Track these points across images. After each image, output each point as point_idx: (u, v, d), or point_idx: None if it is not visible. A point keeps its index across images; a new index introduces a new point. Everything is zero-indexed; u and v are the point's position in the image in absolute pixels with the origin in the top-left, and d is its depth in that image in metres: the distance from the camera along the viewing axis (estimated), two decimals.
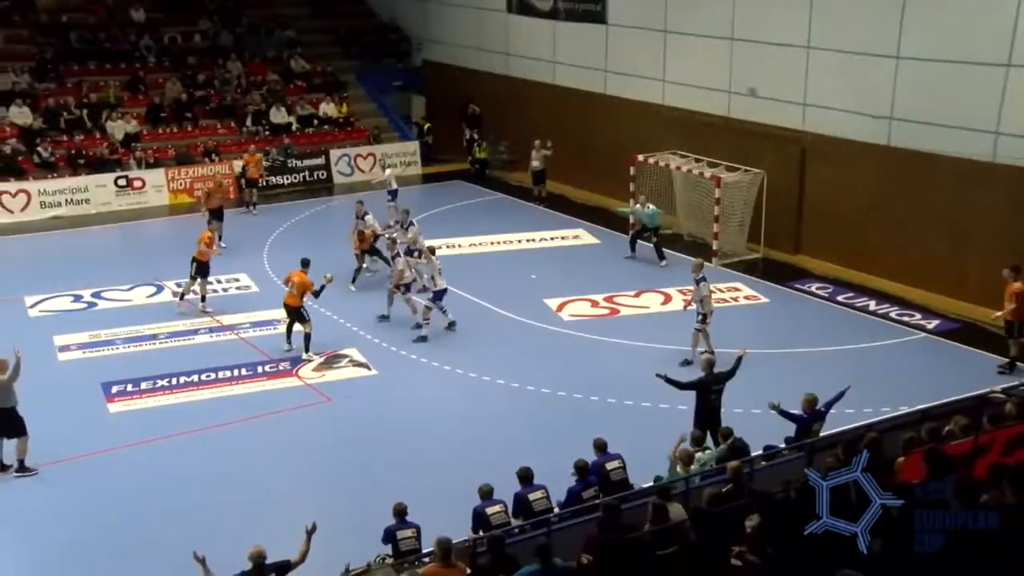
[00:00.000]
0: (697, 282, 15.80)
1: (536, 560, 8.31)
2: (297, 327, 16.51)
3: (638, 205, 20.93)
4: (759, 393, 12.71)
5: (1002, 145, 17.38)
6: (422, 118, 30.32)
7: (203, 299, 18.38)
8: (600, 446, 11.33)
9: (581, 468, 10.87)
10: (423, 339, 16.93)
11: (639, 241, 21.02)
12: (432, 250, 17.69)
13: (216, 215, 22.07)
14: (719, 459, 11.08)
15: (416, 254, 18.01)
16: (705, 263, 16.94)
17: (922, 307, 18.17)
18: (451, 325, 17.35)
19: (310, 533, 9.41)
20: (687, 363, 15.47)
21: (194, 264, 18.22)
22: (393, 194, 22.73)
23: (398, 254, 17.72)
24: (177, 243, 18.79)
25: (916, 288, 18.76)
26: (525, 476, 10.73)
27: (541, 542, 8.65)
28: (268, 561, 9.10)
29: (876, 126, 19.28)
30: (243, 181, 24.94)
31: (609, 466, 11.14)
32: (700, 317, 15.75)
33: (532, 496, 10.59)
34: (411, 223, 19.53)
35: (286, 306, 16.52)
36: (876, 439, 9.83)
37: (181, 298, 18.38)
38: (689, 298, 16.46)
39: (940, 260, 18.51)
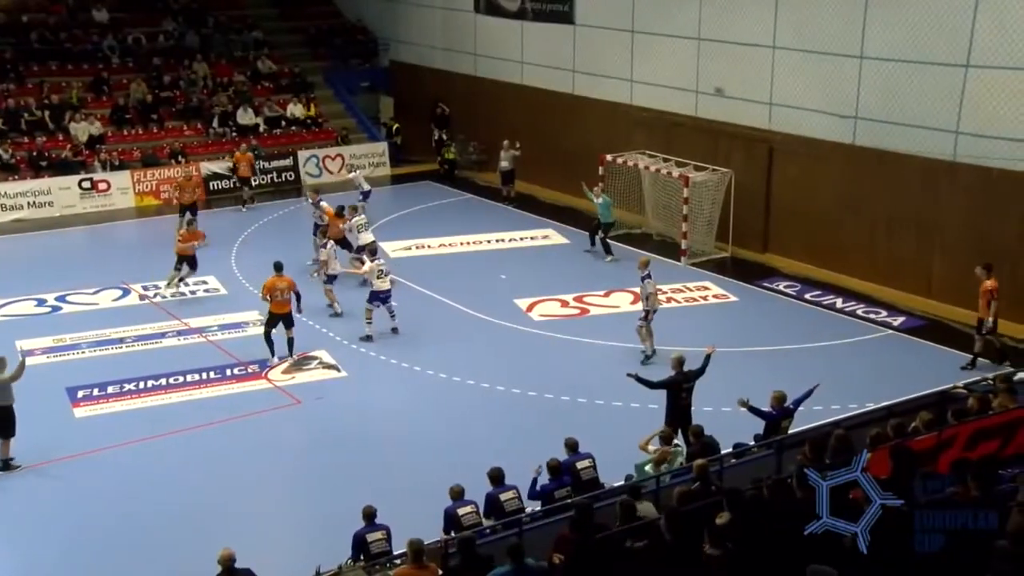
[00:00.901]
0: (642, 279, 15.97)
1: (508, 560, 8.32)
2: (278, 331, 16.27)
3: (592, 194, 21.06)
4: (729, 391, 12.81)
5: (962, 145, 17.61)
6: (390, 119, 30.20)
7: (168, 283, 18.89)
8: (571, 446, 11.36)
9: (554, 468, 10.90)
10: (368, 338, 16.86)
11: (596, 236, 21.16)
12: (373, 250, 17.65)
13: (190, 209, 22.00)
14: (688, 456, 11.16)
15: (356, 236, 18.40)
16: (651, 260, 17.21)
17: (888, 304, 18.37)
18: (394, 330, 17.18)
19: None
20: (648, 360, 15.58)
21: (178, 258, 18.75)
22: (365, 195, 22.61)
23: (325, 244, 17.71)
24: (144, 246, 18.66)
25: (883, 286, 18.95)
26: (496, 477, 10.73)
27: (513, 542, 8.66)
28: (238, 565, 9.04)
29: (842, 125, 19.47)
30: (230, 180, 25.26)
31: (579, 465, 11.18)
32: (643, 314, 15.92)
33: (503, 496, 10.60)
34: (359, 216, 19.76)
35: (277, 315, 16.05)
36: (843, 436, 9.94)
37: (168, 284, 18.86)
38: (661, 297, 16.60)
39: (906, 258, 18.71)
